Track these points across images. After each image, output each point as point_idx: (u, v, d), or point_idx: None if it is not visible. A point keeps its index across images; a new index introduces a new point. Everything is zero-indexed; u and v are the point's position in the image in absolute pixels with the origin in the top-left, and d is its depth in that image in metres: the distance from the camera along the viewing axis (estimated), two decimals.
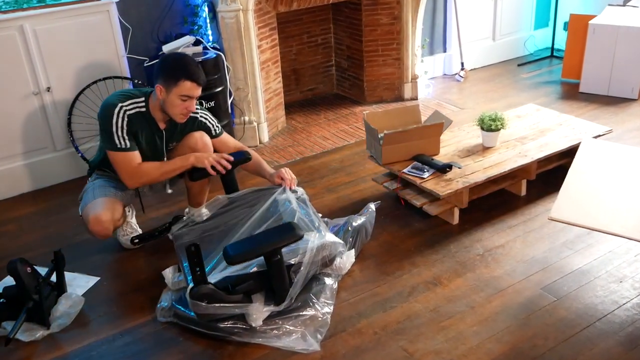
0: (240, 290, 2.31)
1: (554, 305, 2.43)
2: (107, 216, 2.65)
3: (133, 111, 2.63)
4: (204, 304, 2.23)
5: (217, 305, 2.25)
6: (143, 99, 2.67)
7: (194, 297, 2.23)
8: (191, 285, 2.28)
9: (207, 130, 2.85)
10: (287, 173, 2.76)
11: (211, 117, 2.89)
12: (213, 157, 2.69)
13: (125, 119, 2.59)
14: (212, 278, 2.35)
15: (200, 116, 2.83)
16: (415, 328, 2.34)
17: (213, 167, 2.66)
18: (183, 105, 2.60)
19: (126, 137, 2.60)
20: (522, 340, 2.25)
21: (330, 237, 2.51)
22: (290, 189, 2.70)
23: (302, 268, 2.37)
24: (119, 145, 2.59)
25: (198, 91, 2.60)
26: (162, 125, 2.73)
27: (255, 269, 2.35)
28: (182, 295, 2.46)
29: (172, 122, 2.74)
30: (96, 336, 2.41)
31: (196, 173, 2.70)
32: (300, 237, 2.34)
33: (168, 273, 2.55)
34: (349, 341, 2.30)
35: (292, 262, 2.38)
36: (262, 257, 2.32)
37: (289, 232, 2.33)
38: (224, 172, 2.69)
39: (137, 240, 2.90)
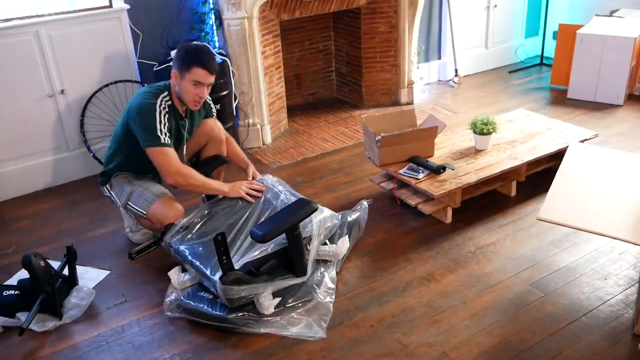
0: (263, 270, 2.36)
1: (541, 300, 2.43)
2: (181, 207, 2.74)
3: (166, 106, 2.64)
4: (236, 287, 2.26)
5: (247, 286, 2.29)
6: (167, 92, 2.67)
7: (226, 283, 2.25)
8: (219, 273, 2.29)
9: (210, 111, 2.92)
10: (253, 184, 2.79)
11: (210, 100, 2.95)
12: (245, 186, 2.72)
13: (166, 115, 2.60)
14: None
15: (207, 98, 2.89)
16: (409, 321, 2.35)
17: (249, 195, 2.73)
18: (195, 91, 2.61)
19: (167, 134, 2.60)
20: (511, 333, 2.26)
21: (328, 211, 2.67)
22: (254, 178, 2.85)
23: (313, 240, 2.47)
24: (162, 141, 2.57)
25: (210, 78, 2.62)
26: (183, 114, 2.75)
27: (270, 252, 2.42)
28: (190, 291, 2.47)
29: (188, 110, 2.77)
30: (106, 327, 2.42)
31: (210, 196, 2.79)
32: (316, 209, 2.47)
33: (173, 274, 2.55)
34: (346, 333, 2.30)
35: (304, 237, 2.47)
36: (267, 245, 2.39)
37: (306, 206, 2.45)
38: (260, 196, 2.71)
39: (134, 255, 2.87)
